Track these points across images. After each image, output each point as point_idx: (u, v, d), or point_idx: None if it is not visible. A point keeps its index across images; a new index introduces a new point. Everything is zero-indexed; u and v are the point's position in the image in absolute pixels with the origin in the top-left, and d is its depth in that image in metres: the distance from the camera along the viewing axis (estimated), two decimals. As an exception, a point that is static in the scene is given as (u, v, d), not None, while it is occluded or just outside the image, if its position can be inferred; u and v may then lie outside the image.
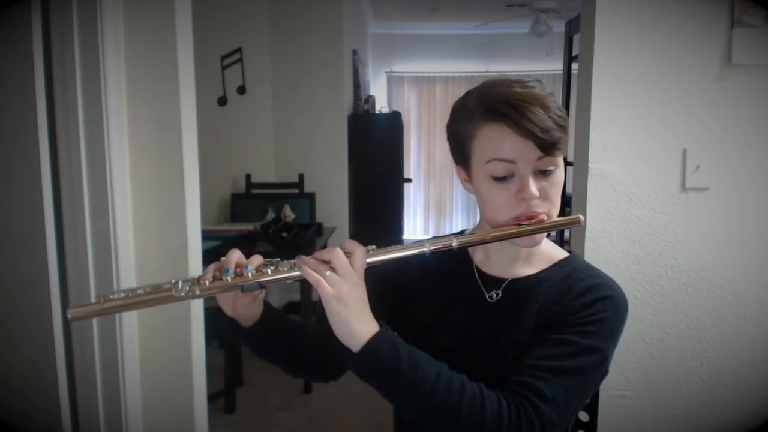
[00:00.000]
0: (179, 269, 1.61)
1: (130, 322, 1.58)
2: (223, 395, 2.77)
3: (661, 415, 1.65)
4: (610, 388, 1.61)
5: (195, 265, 1.65)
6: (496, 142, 0.85)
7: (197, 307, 1.68)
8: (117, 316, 1.53)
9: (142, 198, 1.59)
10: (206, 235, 2.54)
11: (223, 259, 0.85)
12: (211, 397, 2.26)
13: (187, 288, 0.81)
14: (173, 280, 0.81)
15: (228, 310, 0.90)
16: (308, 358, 1.02)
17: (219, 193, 4.05)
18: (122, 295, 0.81)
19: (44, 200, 1.45)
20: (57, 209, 1.51)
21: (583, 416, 1.14)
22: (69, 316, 0.80)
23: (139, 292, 0.81)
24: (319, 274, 0.80)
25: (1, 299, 1.49)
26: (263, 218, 3.51)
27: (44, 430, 1.52)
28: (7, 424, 1.45)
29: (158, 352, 1.65)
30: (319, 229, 3.43)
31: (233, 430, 2.66)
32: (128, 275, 1.56)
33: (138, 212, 1.59)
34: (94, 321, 1.53)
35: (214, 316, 1.94)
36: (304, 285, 3.05)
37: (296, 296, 3.07)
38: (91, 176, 1.50)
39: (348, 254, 0.82)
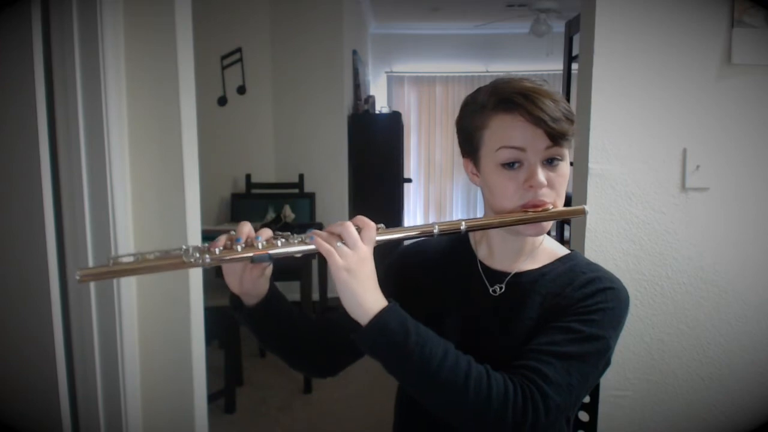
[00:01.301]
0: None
1: (131, 322, 1.58)
2: (223, 395, 2.77)
3: (661, 415, 1.65)
4: (610, 388, 1.61)
5: (195, 265, 1.65)
6: (507, 130, 0.88)
7: (197, 307, 1.68)
8: (117, 315, 1.53)
9: (142, 198, 1.59)
10: (206, 235, 2.53)
11: (232, 231, 0.85)
12: (211, 397, 2.26)
13: (197, 255, 0.80)
14: (183, 247, 0.80)
15: (235, 286, 0.90)
16: (308, 347, 1.02)
17: (219, 193, 4.05)
18: (131, 259, 0.80)
19: (44, 200, 1.45)
20: (57, 209, 1.51)
21: (583, 416, 1.15)
22: (77, 276, 0.79)
23: (148, 257, 0.80)
24: (330, 245, 0.81)
25: (1, 299, 1.48)
26: (263, 218, 3.51)
27: (44, 430, 1.52)
28: (7, 424, 1.45)
29: (158, 352, 1.64)
30: (319, 230, 3.42)
31: (233, 430, 2.66)
32: (128, 275, 1.56)
33: (138, 212, 1.59)
34: (94, 321, 1.53)
35: (213, 316, 1.95)
36: (305, 286, 3.06)
37: (296, 296, 3.07)
38: (91, 176, 1.50)
39: (358, 229, 0.84)
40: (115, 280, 1.52)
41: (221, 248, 0.82)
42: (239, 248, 0.82)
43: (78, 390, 1.58)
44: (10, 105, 1.45)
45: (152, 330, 1.63)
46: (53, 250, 1.47)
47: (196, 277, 1.66)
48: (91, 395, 1.56)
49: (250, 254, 0.82)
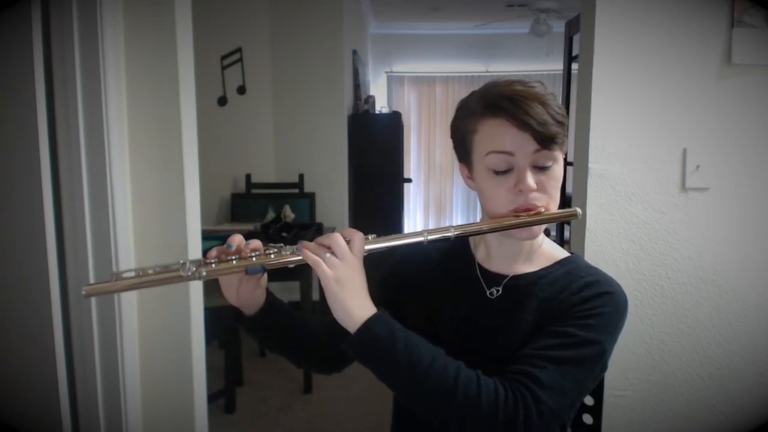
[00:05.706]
0: (179, 269, 1.61)
1: (130, 321, 1.58)
2: (223, 395, 2.77)
3: (661, 415, 1.65)
4: (610, 388, 1.61)
5: (195, 265, 1.65)
6: (495, 135, 0.88)
7: (197, 307, 1.68)
8: (117, 315, 1.53)
9: (142, 198, 1.59)
10: (206, 235, 2.53)
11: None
12: (211, 397, 2.26)
13: (194, 269, 0.84)
14: (181, 261, 0.84)
15: (232, 299, 0.93)
16: (311, 347, 1.04)
17: (219, 193, 4.05)
18: (133, 274, 0.84)
19: (44, 200, 1.45)
20: (57, 209, 1.51)
21: (587, 419, 1.14)
22: (83, 292, 0.83)
23: (149, 271, 0.84)
24: (319, 256, 0.82)
25: (1, 299, 1.48)
26: (263, 218, 3.51)
27: (44, 430, 1.52)
28: (7, 424, 1.45)
29: (158, 352, 1.64)
30: (319, 229, 3.43)
31: (233, 430, 2.66)
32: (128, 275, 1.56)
33: (138, 212, 1.59)
34: (94, 321, 1.53)
35: (213, 316, 1.94)
36: (304, 286, 3.06)
37: (296, 296, 3.07)
38: (91, 176, 1.50)
39: (347, 241, 0.84)
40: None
41: (216, 260, 0.85)
42: (234, 261, 0.85)
43: (78, 390, 1.57)
44: (10, 105, 1.45)
45: (152, 330, 1.63)
46: (53, 250, 1.47)
47: (196, 277, 1.66)
48: (91, 395, 1.56)
49: (245, 266, 0.85)
